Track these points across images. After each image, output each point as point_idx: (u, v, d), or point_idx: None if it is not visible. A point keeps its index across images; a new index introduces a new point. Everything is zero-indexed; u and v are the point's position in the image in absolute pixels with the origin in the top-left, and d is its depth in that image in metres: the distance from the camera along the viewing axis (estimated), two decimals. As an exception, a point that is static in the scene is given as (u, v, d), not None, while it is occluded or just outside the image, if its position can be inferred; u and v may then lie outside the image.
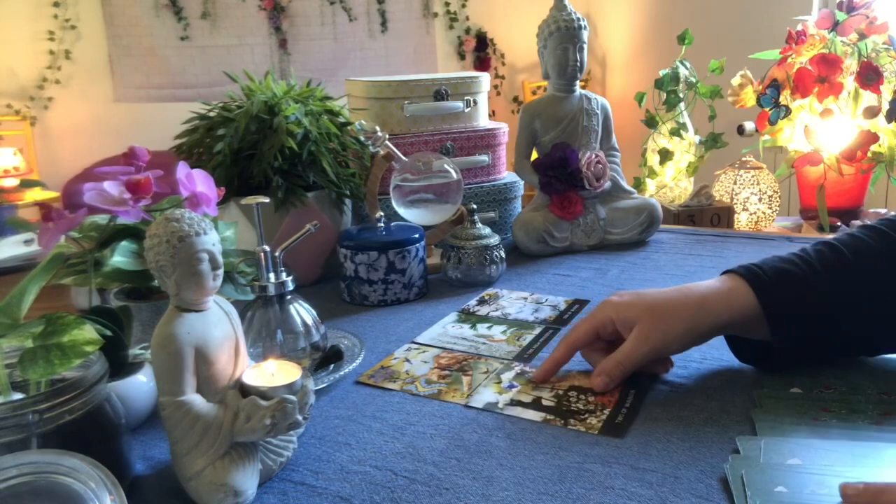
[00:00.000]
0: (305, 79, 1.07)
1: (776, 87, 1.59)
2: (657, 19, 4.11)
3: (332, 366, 0.69)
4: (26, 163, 3.72)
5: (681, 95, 1.67)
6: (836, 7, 1.61)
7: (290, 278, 0.66)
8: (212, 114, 0.96)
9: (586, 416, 0.59)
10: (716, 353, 0.69)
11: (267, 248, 0.64)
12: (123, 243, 0.62)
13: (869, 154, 1.52)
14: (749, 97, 1.67)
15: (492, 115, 1.72)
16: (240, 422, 0.48)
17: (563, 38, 1.05)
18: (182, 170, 0.61)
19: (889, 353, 0.65)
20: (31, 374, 0.46)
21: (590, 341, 0.65)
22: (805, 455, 0.50)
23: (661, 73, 1.67)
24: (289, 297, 0.66)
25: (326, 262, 0.99)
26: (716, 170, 1.78)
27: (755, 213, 1.68)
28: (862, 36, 1.55)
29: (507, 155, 1.25)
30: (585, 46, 1.07)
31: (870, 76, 1.47)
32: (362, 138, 1.01)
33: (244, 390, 0.50)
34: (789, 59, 1.60)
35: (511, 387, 0.65)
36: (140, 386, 0.59)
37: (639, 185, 1.76)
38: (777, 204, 1.70)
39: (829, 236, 0.68)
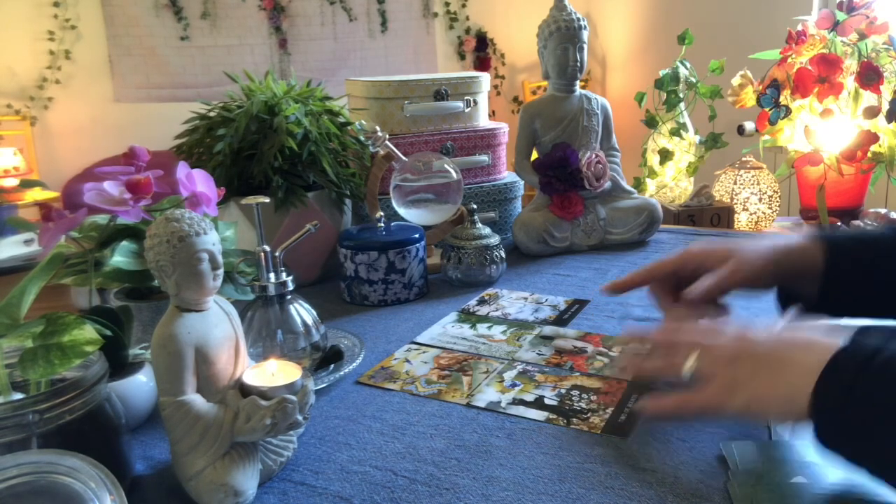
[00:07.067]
0: (305, 79, 1.07)
1: (776, 87, 1.59)
2: (657, 19, 4.10)
3: (332, 366, 0.69)
4: (26, 163, 3.71)
5: (681, 95, 1.67)
6: (836, 7, 1.60)
7: (290, 278, 0.66)
8: (212, 114, 0.96)
9: (589, 415, 0.59)
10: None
11: (267, 248, 0.64)
12: (123, 243, 0.62)
13: (869, 154, 1.52)
14: (749, 97, 1.67)
15: (492, 115, 1.72)
16: (240, 422, 0.48)
17: (563, 38, 1.05)
18: (182, 170, 0.61)
19: None
20: (31, 374, 0.46)
21: (668, 273, 0.69)
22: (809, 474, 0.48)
23: (661, 73, 1.66)
24: (289, 297, 0.66)
25: (326, 262, 0.99)
26: (716, 170, 1.77)
27: (755, 213, 1.68)
28: (862, 36, 1.55)
29: (507, 155, 1.25)
30: (585, 46, 1.07)
31: (870, 76, 1.47)
32: (362, 138, 1.01)
33: (244, 390, 0.50)
34: (789, 59, 1.60)
35: (513, 385, 0.65)
36: (140, 386, 0.59)
37: (639, 185, 1.76)
38: (777, 204, 1.70)
39: None
